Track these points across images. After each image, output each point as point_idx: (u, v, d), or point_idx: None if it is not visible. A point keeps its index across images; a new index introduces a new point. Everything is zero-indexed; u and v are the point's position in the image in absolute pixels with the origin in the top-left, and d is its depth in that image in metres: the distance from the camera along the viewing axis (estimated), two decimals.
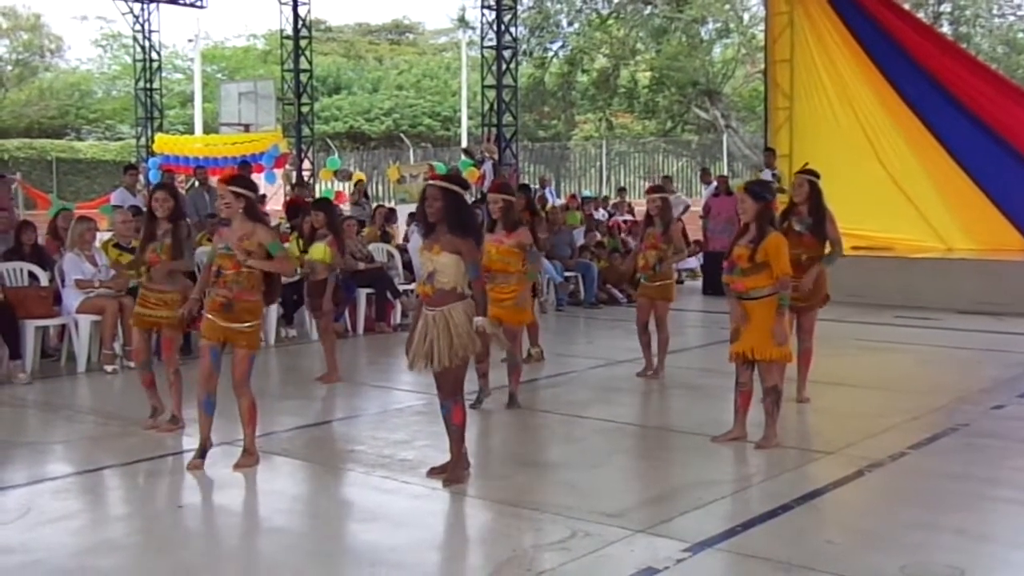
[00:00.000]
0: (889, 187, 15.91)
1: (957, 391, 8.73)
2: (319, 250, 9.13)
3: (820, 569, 4.74)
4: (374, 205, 17.36)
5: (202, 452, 6.42)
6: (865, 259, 14.53)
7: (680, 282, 17.20)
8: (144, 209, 11.78)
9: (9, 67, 47.78)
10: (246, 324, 6.28)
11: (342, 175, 23.06)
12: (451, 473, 6.04)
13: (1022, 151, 15.16)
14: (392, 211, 15.93)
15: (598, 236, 16.23)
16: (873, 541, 5.12)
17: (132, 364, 8.46)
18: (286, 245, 9.93)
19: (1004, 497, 6.00)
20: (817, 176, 8.14)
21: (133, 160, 26.76)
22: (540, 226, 10.25)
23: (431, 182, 6.09)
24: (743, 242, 6.76)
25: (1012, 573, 4.87)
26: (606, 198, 22.71)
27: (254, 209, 6.42)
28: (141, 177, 19.90)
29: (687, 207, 17.69)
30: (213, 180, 17.31)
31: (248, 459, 6.42)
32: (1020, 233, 15.38)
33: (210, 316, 6.33)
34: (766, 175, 15.57)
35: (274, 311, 10.79)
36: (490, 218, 8.27)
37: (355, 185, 20.31)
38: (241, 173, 7.53)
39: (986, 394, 8.64)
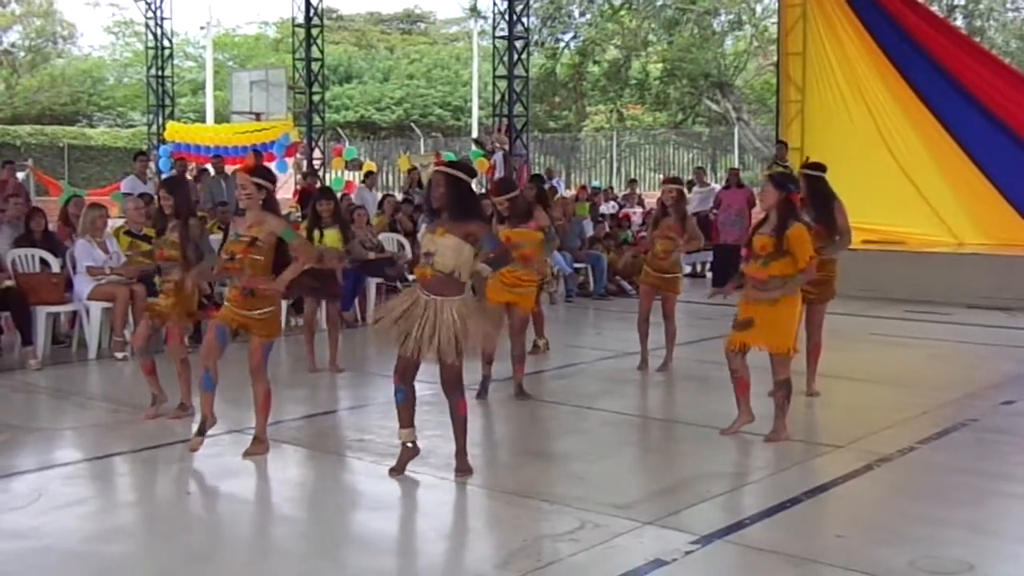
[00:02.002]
0: (901, 181, 15.86)
1: (967, 386, 8.71)
2: (333, 237, 9.20)
3: (829, 563, 4.75)
4: (381, 195, 17.35)
5: (202, 430, 6.43)
6: (876, 253, 14.50)
7: (701, 275, 17.16)
8: (154, 196, 11.86)
9: (22, 53, 47.86)
10: (261, 311, 6.30)
11: (353, 165, 23.07)
12: (459, 463, 6.06)
13: None
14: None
15: (607, 228, 16.20)
16: (882, 535, 5.12)
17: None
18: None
19: (1013, 492, 5.99)
20: (819, 168, 8.06)
21: (144, 148, 26.80)
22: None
23: (436, 168, 6.16)
24: (764, 231, 6.75)
25: (1019, 567, 4.87)
26: (610, 189, 22.66)
27: (271, 200, 6.45)
28: (152, 164, 19.93)
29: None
30: (227, 168, 17.36)
31: (258, 447, 6.44)
32: None
33: (228, 303, 6.36)
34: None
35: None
36: (499, 216, 8.22)
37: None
38: (262, 164, 7.59)
39: (996, 389, 8.62)
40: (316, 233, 9.21)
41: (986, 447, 6.89)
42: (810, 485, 5.94)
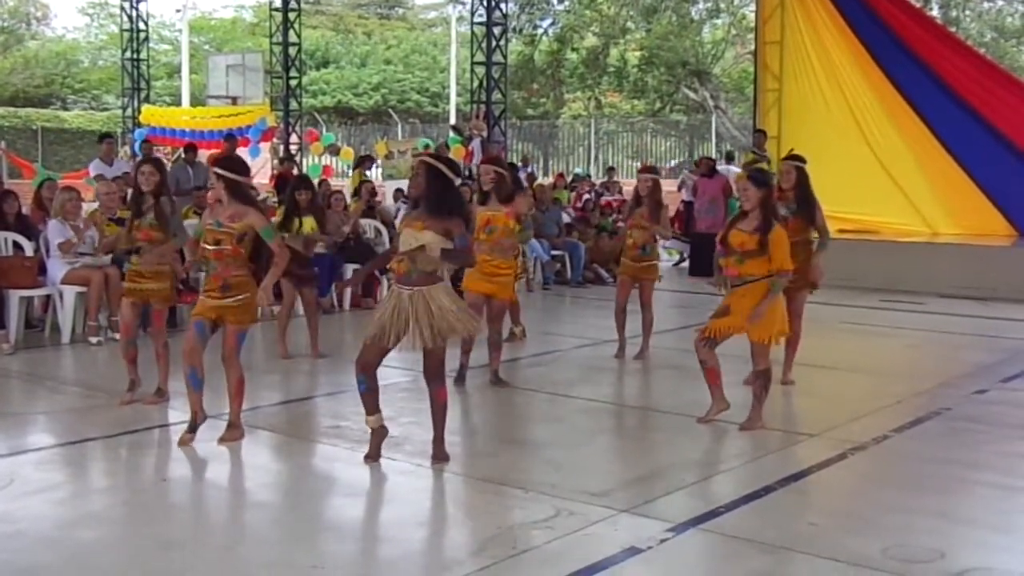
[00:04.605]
0: (877, 171, 15.94)
1: (941, 376, 8.77)
2: (312, 223, 9.20)
3: (802, 551, 4.77)
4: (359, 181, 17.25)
5: (192, 426, 6.38)
6: (851, 243, 14.55)
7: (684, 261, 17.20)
8: (123, 179, 11.75)
9: None
10: (236, 298, 6.25)
11: (331, 151, 23.01)
12: (436, 451, 6.06)
13: (1009, 137, 15.20)
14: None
15: (597, 215, 16.15)
16: (855, 523, 5.15)
17: (117, 336, 8.44)
18: (271, 219, 9.96)
19: (985, 481, 6.03)
20: (804, 161, 8.15)
21: (118, 131, 26.60)
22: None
23: (420, 157, 6.14)
24: (745, 228, 6.73)
25: (991, 555, 4.90)
26: (587, 177, 22.63)
27: (241, 191, 6.34)
28: (127, 148, 19.75)
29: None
30: (201, 155, 17.20)
31: (233, 433, 6.41)
32: (1005, 218, 15.44)
33: (203, 295, 6.31)
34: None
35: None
36: (481, 191, 8.26)
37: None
38: (230, 154, 7.51)
39: (969, 379, 8.68)
40: (296, 221, 9.16)
41: (959, 436, 6.94)
42: (785, 473, 5.97)
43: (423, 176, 5.89)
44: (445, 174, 5.89)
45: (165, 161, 17.30)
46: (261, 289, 6.30)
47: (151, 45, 29.66)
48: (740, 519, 5.20)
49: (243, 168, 6.46)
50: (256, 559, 4.70)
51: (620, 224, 14.08)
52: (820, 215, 8.10)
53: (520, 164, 21.57)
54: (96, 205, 10.44)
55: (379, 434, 6.07)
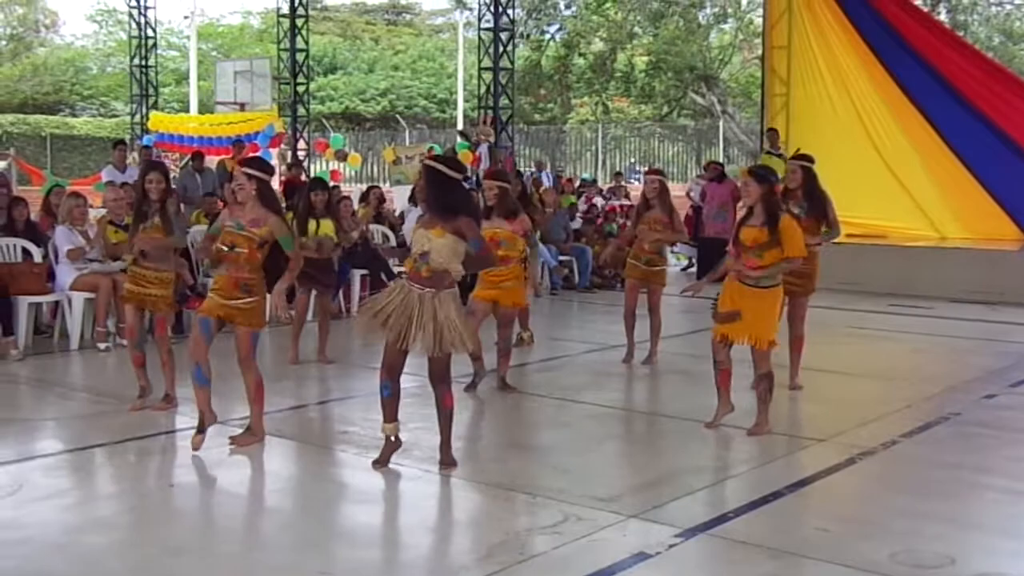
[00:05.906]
0: (885, 175, 15.91)
1: (949, 380, 8.75)
2: (328, 227, 9.21)
3: (811, 556, 4.77)
4: (367, 186, 17.29)
5: (201, 427, 6.36)
6: (859, 247, 14.53)
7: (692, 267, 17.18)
8: (132, 185, 11.75)
9: (3, 42, 47.59)
10: (246, 301, 6.24)
11: (339, 155, 23.04)
12: (444, 456, 6.05)
13: (1017, 141, 15.16)
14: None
15: (600, 219, 16.15)
16: (863, 528, 5.14)
17: (125, 342, 8.46)
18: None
19: (994, 486, 6.01)
20: (810, 160, 8.14)
21: (127, 137, 26.65)
22: (537, 213, 10.28)
23: (423, 162, 6.15)
24: (755, 224, 6.73)
25: (1001, 561, 4.89)
26: (594, 182, 22.62)
27: (269, 194, 6.33)
28: (135, 154, 19.76)
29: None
30: (209, 162, 17.24)
31: (251, 437, 6.40)
32: (1015, 223, 15.39)
33: (214, 293, 6.31)
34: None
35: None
36: (486, 204, 8.21)
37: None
38: (258, 155, 7.49)
39: (978, 383, 8.66)
40: (313, 224, 9.18)
41: (968, 441, 6.92)
42: (793, 479, 5.96)
43: (425, 180, 5.92)
44: (446, 174, 5.88)
45: (171, 167, 17.31)
46: (274, 294, 6.29)
47: (159, 52, 29.76)
48: (749, 524, 5.19)
49: (269, 170, 6.49)
50: (265, 564, 4.71)
51: (626, 227, 14.07)
52: (832, 210, 8.08)
53: (535, 169, 21.60)
54: (104, 212, 10.46)
55: (392, 444, 6.06)
